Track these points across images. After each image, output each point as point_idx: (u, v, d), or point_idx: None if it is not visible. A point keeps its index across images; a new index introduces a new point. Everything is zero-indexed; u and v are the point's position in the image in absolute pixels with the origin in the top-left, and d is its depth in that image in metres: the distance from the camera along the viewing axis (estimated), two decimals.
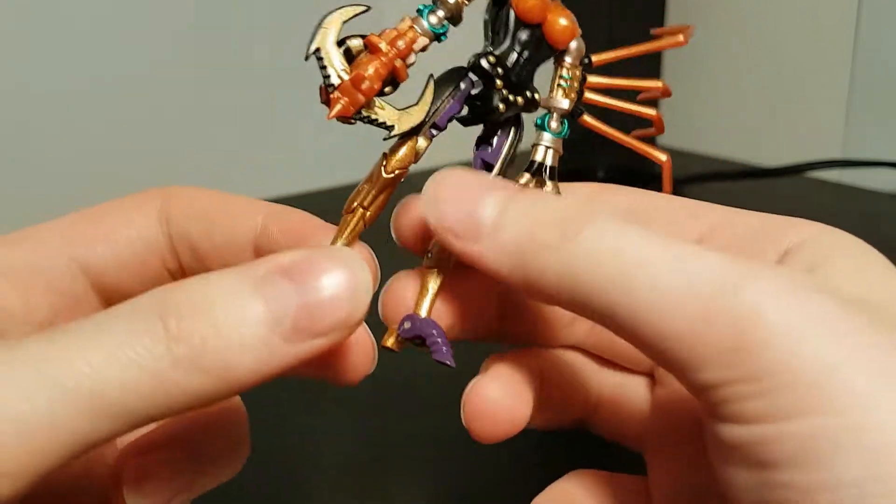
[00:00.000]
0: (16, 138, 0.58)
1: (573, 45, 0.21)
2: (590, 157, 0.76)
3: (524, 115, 0.21)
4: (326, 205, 0.23)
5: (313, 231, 0.21)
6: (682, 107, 0.83)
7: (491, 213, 0.18)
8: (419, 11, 0.19)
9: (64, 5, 0.57)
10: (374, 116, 0.19)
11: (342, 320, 0.16)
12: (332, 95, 0.18)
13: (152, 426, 0.20)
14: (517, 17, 0.20)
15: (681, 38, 0.22)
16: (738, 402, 0.15)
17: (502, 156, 0.21)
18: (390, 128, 0.19)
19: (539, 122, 0.21)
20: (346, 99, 0.18)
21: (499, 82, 0.20)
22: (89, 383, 0.14)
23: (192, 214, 0.21)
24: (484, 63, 0.20)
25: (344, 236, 0.20)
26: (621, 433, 0.24)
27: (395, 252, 0.21)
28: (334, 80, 0.18)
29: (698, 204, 0.22)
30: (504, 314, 0.22)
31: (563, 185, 0.22)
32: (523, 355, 0.23)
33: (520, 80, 0.20)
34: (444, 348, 0.19)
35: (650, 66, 0.81)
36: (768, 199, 0.66)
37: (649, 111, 0.22)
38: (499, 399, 0.21)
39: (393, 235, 0.21)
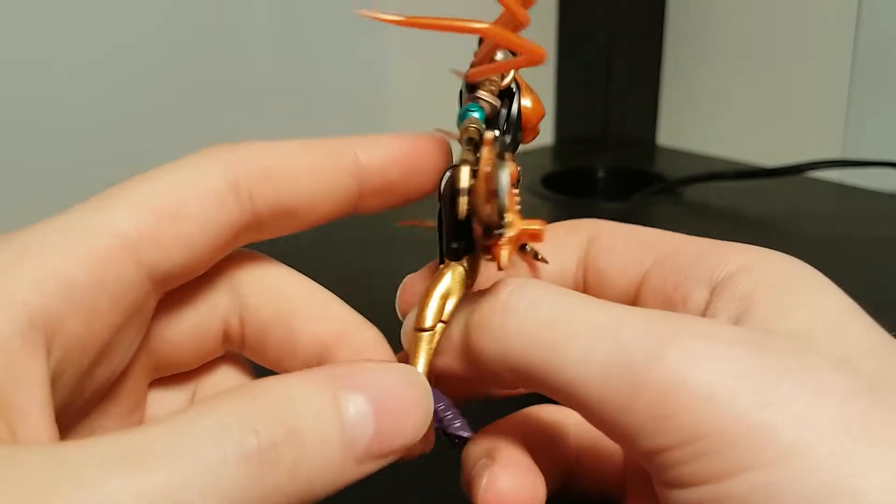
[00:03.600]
0: (11, 138, 0.58)
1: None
2: (590, 158, 0.77)
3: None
4: None
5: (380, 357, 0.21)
6: (682, 107, 0.83)
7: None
8: (464, 116, 0.19)
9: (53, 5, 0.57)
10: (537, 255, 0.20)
11: (406, 445, 0.17)
12: (493, 244, 0.17)
13: None
14: (523, 123, 0.21)
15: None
16: (676, 467, 0.16)
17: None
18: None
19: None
20: (510, 246, 0.17)
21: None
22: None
23: (278, 178, 0.19)
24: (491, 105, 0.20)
25: (422, 359, 0.19)
26: (602, 483, 0.24)
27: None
28: (507, 232, 0.17)
29: (651, 233, 0.22)
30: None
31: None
32: (509, 425, 0.22)
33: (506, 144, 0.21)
34: (458, 421, 0.19)
35: (650, 65, 0.81)
36: (768, 199, 0.66)
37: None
38: (518, 489, 0.20)
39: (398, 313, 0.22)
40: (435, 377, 0.20)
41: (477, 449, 0.21)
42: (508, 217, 0.17)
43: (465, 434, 0.20)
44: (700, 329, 0.17)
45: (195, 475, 0.13)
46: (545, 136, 0.81)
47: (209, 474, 0.13)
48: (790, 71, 0.74)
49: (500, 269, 0.17)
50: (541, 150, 0.83)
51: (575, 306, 0.17)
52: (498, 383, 0.20)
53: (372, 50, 0.72)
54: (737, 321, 0.18)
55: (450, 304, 0.19)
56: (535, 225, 0.18)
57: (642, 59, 0.79)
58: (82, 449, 0.13)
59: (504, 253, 0.17)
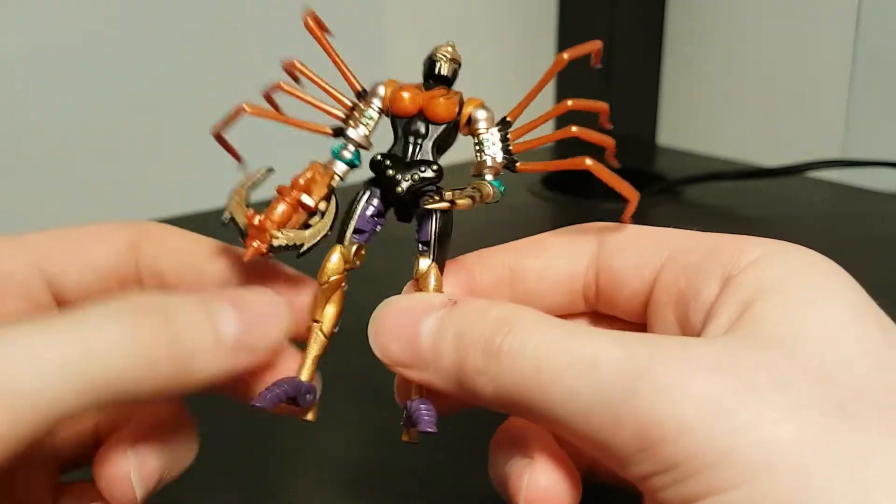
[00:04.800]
0: (6, 143, 0.58)
1: (478, 114, 0.24)
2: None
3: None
4: None
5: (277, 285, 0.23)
6: (682, 107, 0.83)
7: (428, 343, 0.20)
8: (333, 152, 0.24)
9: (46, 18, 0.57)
10: (283, 244, 0.22)
11: (269, 344, 0.21)
12: (245, 242, 0.22)
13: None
14: (395, 116, 0.24)
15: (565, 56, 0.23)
16: (662, 491, 0.17)
17: (430, 238, 0.23)
18: (299, 247, 0.22)
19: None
20: (257, 241, 0.21)
21: (390, 171, 0.23)
22: (72, 359, 0.17)
23: (164, 251, 0.24)
24: (375, 162, 0.23)
25: (309, 360, 0.23)
26: (620, 480, 0.24)
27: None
28: (244, 231, 0.22)
29: (664, 231, 0.23)
30: None
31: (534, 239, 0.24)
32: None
33: (414, 161, 0.23)
34: (269, 395, 0.21)
35: (650, 66, 0.81)
36: (768, 199, 0.66)
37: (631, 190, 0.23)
38: (558, 487, 0.21)
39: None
40: (426, 391, 0.22)
41: (509, 442, 0.22)
42: (240, 226, 0.22)
43: (430, 430, 0.21)
44: (674, 356, 0.18)
45: (96, 333, 0.17)
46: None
47: (106, 333, 0.17)
48: (790, 71, 0.74)
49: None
50: (540, 151, 0.83)
51: (559, 344, 0.18)
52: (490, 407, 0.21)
53: (372, 51, 0.72)
54: (735, 323, 0.19)
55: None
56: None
57: (642, 59, 0.79)
58: (5, 322, 0.18)
59: (250, 249, 0.22)
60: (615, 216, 0.24)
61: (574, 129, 0.22)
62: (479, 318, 0.20)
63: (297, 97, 0.24)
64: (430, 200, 0.21)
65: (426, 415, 0.21)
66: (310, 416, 0.23)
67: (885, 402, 0.16)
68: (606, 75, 0.76)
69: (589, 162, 0.22)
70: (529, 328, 0.19)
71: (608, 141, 0.23)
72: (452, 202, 0.21)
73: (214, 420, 0.25)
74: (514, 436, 0.22)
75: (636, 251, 0.23)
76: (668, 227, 0.23)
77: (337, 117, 0.24)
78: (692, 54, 0.81)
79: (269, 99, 0.25)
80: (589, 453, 0.19)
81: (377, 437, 0.35)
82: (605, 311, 0.24)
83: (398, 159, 0.23)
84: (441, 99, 0.23)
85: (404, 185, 0.23)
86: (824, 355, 0.17)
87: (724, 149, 0.79)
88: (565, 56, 0.23)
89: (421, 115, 0.23)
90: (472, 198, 0.22)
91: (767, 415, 0.16)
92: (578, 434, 0.18)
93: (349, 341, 0.23)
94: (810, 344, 0.17)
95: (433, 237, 0.23)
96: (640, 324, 0.24)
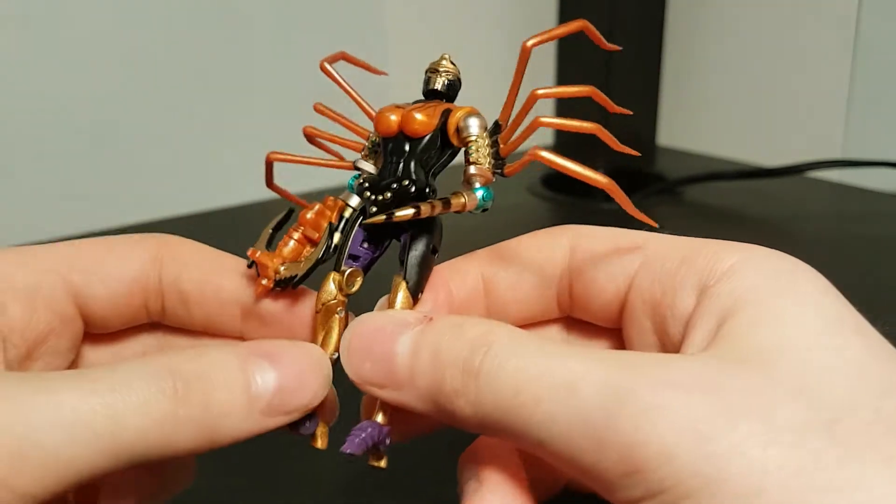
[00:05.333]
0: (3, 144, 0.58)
1: (467, 122, 0.23)
2: (590, 158, 0.76)
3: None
4: None
5: (301, 296, 0.23)
6: (682, 107, 0.83)
7: (404, 363, 0.20)
8: (349, 185, 0.24)
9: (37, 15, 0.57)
10: (283, 277, 0.22)
11: (305, 405, 0.20)
12: (257, 281, 0.23)
13: None
14: (382, 138, 0.23)
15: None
16: None
17: (408, 259, 0.23)
18: (293, 278, 0.22)
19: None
20: (265, 279, 0.22)
21: (367, 193, 0.23)
22: (103, 424, 0.17)
23: (185, 264, 0.24)
24: (354, 188, 0.24)
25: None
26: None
27: None
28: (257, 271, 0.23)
29: (635, 236, 0.23)
30: None
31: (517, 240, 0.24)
32: (499, 442, 0.22)
33: (388, 181, 0.23)
34: (357, 439, 0.21)
35: (650, 66, 0.81)
36: (768, 199, 0.66)
37: (597, 176, 0.21)
38: None
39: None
40: (391, 411, 0.21)
41: (470, 464, 0.21)
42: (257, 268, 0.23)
43: (351, 450, 0.20)
44: (655, 377, 0.17)
45: (125, 398, 0.18)
46: (545, 136, 0.81)
47: (136, 399, 0.18)
48: (790, 71, 0.74)
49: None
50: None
51: (537, 365, 0.18)
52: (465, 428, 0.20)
53: (372, 51, 0.72)
54: (713, 338, 0.18)
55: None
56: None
57: (642, 59, 0.79)
58: (43, 374, 0.18)
59: (259, 288, 0.23)
60: (616, 216, 0.24)
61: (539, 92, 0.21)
62: (455, 337, 0.19)
63: (324, 137, 0.25)
64: (375, 215, 0.22)
65: (358, 435, 0.20)
66: (320, 445, 0.22)
67: (870, 420, 0.16)
68: (606, 75, 0.76)
69: (543, 154, 0.20)
70: (507, 348, 0.19)
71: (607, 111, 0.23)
72: (417, 211, 0.21)
73: None
74: (474, 456, 0.21)
75: (608, 257, 0.22)
76: (669, 227, 0.23)
77: (359, 149, 0.25)
78: (692, 54, 0.81)
79: (311, 141, 0.26)
80: (574, 476, 0.18)
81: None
82: (580, 316, 0.24)
83: (375, 182, 0.23)
84: (416, 112, 0.23)
85: (373, 208, 0.22)
86: (806, 371, 0.17)
87: (724, 149, 0.79)
88: (528, 44, 0.21)
89: (403, 133, 0.23)
90: (432, 205, 0.21)
91: (752, 440, 0.16)
92: (561, 458, 0.18)
93: None
94: (791, 360, 0.17)
95: (405, 253, 0.23)
96: (615, 328, 0.23)
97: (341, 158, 0.26)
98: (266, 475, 0.33)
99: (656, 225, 0.22)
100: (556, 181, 0.70)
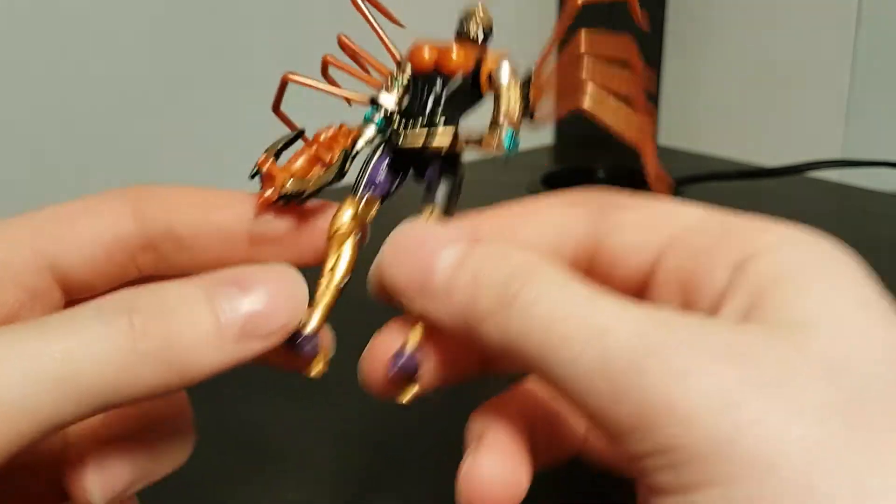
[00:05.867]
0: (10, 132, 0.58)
1: (500, 68, 0.23)
2: (590, 158, 0.76)
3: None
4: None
5: (312, 212, 0.22)
6: (682, 107, 0.83)
7: (441, 276, 0.20)
8: (365, 117, 0.23)
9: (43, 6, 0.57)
10: (290, 191, 0.22)
11: (282, 326, 0.19)
12: (260, 192, 0.22)
13: (106, 416, 0.22)
14: (414, 72, 0.23)
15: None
16: (653, 474, 0.16)
17: (436, 190, 0.23)
18: (301, 193, 0.22)
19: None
20: (269, 190, 0.22)
21: (396, 122, 0.23)
22: (61, 370, 0.17)
23: (173, 209, 0.22)
24: (374, 119, 0.23)
25: (318, 309, 0.21)
26: (614, 461, 0.24)
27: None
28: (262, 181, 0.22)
29: (667, 206, 0.22)
30: (488, 357, 0.22)
31: (526, 202, 0.23)
32: (509, 402, 0.22)
33: (420, 114, 0.23)
34: (393, 365, 0.21)
35: (650, 65, 0.81)
36: (768, 199, 0.66)
37: (633, 133, 0.22)
38: (498, 477, 0.20)
39: (370, 293, 0.22)
40: (432, 344, 0.21)
41: (474, 426, 0.21)
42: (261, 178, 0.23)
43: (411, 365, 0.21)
44: (687, 338, 0.17)
45: (81, 340, 0.17)
46: (545, 135, 0.81)
47: (91, 339, 0.17)
48: (790, 71, 0.74)
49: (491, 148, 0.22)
50: (541, 150, 0.83)
51: (574, 305, 0.18)
52: (491, 354, 0.20)
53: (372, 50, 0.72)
54: (746, 313, 0.18)
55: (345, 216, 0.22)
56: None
57: (642, 59, 0.79)
58: (2, 328, 0.17)
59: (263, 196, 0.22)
60: None
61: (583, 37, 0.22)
62: (499, 260, 0.19)
63: (343, 69, 0.25)
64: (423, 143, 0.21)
65: (394, 361, 0.21)
66: (314, 372, 0.22)
67: (894, 406, 0.16)
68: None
69: (587, 105, 0.20)
70: (548, 283, 0.18)
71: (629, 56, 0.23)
72: (454, 140, 0.21)
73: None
74: (481, 416, 0.21)
75: (635, 228, 0.21)
76: None
77: (378, 86, 0.24)
78: (692, 55, 0.81)
79: (324, 74, 0.25)
80: (583, 418, 0.18)
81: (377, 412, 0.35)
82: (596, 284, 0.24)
83: (405, 113, 0.23)
84: (455, 49, 0.23)
85: (403, 138, 0.22)
86: (837, 350, 0.17)
87: (724, 149, 0.79)
88: (580, 1, 0.22)
89: (437, 70, 0.23)
90: (467, 137, 0.21)
91: (776, 412, 0.16)
92: (576, 398, 0.17)
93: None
94: (823, 338, 0.17)
95: (435, 180, 0.23)
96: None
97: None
98: (264, 461, 0.33)
99: (647, 145, 0.22)
100: (557, 181, 0.70)
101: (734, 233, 0.20)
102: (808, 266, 0.18)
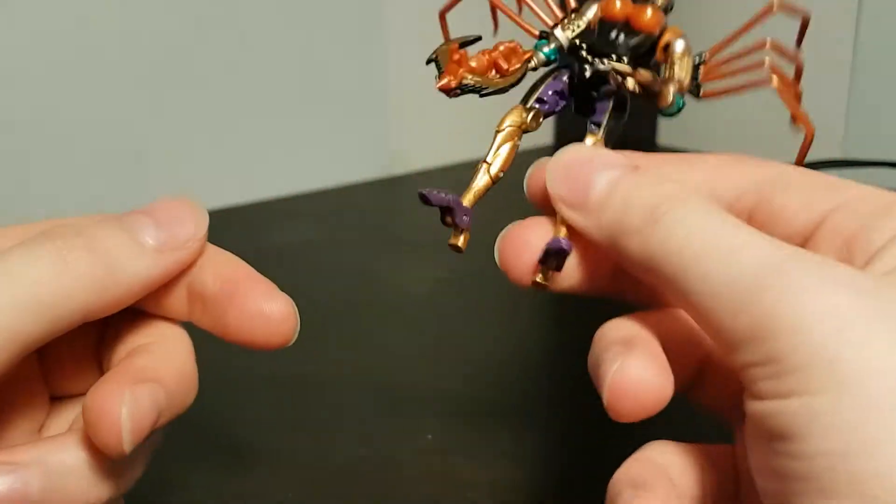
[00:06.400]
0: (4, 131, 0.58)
1: (677, 42, 0.25)
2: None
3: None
4: (333, 204, 0.23)
5: (244, 278, 0.23)
6: None
7: (598, 193, 0.22)
8: (535, 46, 0.25)
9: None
10: (470, 83, 0.23)
11: (193, 234, 0.22)
12: (440, 77, 0.23)
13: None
14: (602, 20, 0.25)
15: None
16: (758, 382, 0.18)
17: (603, 123, 0.24)
18: (483, 88, 0.23)
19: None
20: (448, 77, 0.23)
21: (583, 53, 0.24)
22: (31, 291, 0.19)
23: (104, 274, 0.22)
24: (573, 45, 0.25)
25: (471, 192, 0.24)
26: (719, 402, 0.24)
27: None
28: (441, 68, 0.24)
29: (837, 179, 0.23)
30: (620, 274, 0.23)
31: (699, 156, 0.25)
32: (649, 317, 0.23)
33: (606, 52, 0.24)
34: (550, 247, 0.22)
35: None
36: None
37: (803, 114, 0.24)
38: (649, 382, 0.20)
39: (526, 194, 0.24)
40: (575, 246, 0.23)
41: (612, 333, 0.22)
42: (440, 62, 0.24)
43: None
44: (814, 267, 0.18)
45: (14, 261, 0.19)
46: (545, 136, 0.81)
47: (21, 259, 0.19)
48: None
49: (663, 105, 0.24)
50: (541, 150, 0.83)
51: (714, 228, 0.19)
52: (630, 271, 0.21)
53: (372, 51, 0.72)
54: (890, 272, 0.19)
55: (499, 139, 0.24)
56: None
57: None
58: None
59: (443, 81, 0.23)
60: None
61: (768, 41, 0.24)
62: (653, 187, 0.21)
63: (506, 11, 0.26)
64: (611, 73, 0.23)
65: (552, 245, 0.22)
66: (460, 242, 0.24)
67: None
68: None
69: (775, 82, 0.23)
70: (694, 209, 0.20)
71: (798, 59, 0.25)
72: (633, 73, 0.23)
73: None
74: (623, 328, 0.22)
75: (803, 190, 0.23)
76: None
77: (547, 25, 0.26)
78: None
79: (443, 20, 0.27)
80: (702, 329, 0.20)
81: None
82: None
83: (594, 46, 0.24)
84: (651, 10, 0.25)
85: (592, 68, 0.24)
86: None
87: (724, 149, 0.79)
88: (775, 4, 0.24)
89: (625, 24, 0.25)
90: (651, 75, 0.23)
91: (881, 340, 0.16)
92: (699, 312, 0.19)
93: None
94: None
95: (605, 114, 0.24)
96: None
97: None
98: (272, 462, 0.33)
99: (813, 127, 0.24)
100: None
101: None
102: None
